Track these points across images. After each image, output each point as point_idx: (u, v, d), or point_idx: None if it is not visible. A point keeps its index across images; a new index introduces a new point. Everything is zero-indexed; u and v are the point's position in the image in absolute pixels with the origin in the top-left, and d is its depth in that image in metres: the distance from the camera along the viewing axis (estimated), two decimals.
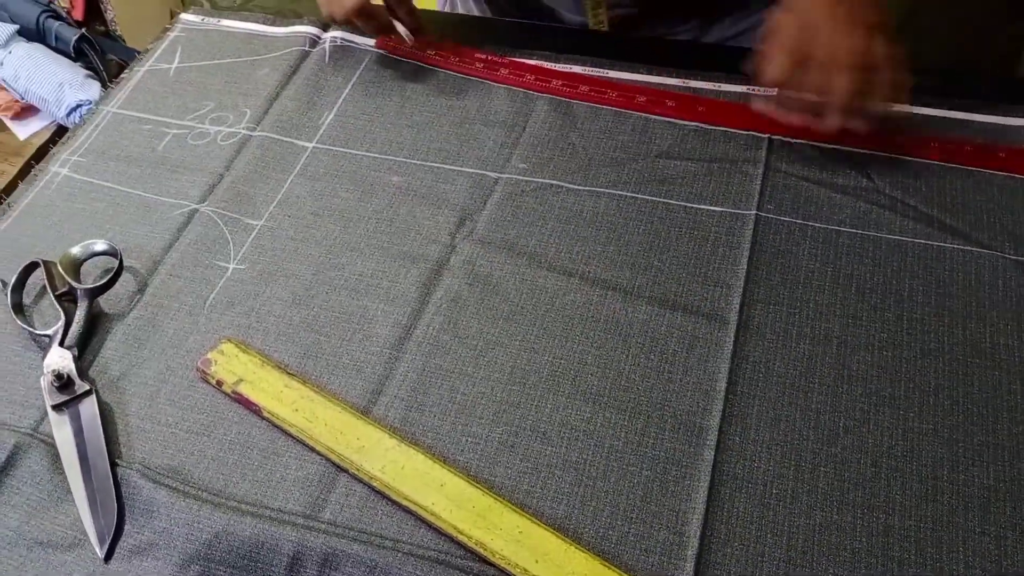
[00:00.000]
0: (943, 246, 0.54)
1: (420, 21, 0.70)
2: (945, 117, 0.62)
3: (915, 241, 0.55)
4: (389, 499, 0.45)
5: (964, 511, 0.43)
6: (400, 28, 0.69)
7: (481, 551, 0.43)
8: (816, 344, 0.50)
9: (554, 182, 0.60)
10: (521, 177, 0.61)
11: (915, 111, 0.61)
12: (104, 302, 0.55)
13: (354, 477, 0.46)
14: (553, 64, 0.68)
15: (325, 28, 0.73)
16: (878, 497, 0.44)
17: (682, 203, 0.58)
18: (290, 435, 0.48)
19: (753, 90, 0.64)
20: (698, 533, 0.43)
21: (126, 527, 0.45)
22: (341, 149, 0.63)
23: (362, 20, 0.66)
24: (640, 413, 0.48)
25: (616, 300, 0.53)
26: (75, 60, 1.20)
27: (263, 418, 0.49)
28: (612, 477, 0.46)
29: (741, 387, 0.49)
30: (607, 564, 0.42)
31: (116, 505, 0.45)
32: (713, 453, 0.46)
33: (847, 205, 0.57)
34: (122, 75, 0.72)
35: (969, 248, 0.54)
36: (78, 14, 1.30)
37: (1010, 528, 0.43)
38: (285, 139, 0.64)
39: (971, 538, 0.43)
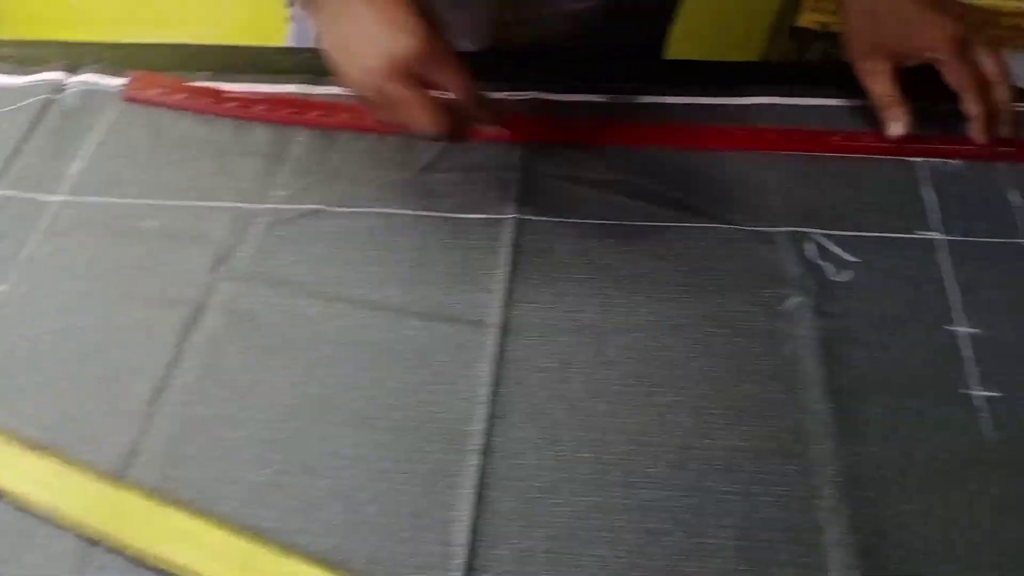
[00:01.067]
0: (684, 226, 0.57)
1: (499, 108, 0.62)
2: (688, 103, 0.66)
3: (660, 224, 0.58)
4: (147, 566, 0.43)
5: (712, 474, 0.46)
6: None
7: None
8: (574, 335, 0.52)
9: (317, 207, 0.60)
10: (282, 206, 0.60)
11: (664, 100, 0.65)
12: None
13: (110, 549, 0.44)
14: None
15: (72, 71, 0.69)
16: (634, 474, 0.46)
17: (445, 214, 0.59)
18: (37, 515, 0.45)
19: (509, 96, 0.66)
20: (466, 541, 0.44)
21: None
22: (93, 199, 0.60)
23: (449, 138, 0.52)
24: (408, 430, 0.48)
25: (384, 320, 0.53)
26: None
27: (5, 501, 0.46)
28: (381, 500, 0.46)
29: (504, 387, 0.50)
30: None
31: None
32: (479, 457, 0.47)
33: (601, 199, 0.59)
34: None
35: (709, 224, 0.57)
36: None
37: (754, 483, 0.46)
38: (28, 196, 0.61)
39: (720, 498, 0.45)
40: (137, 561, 0.43)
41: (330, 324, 0.53)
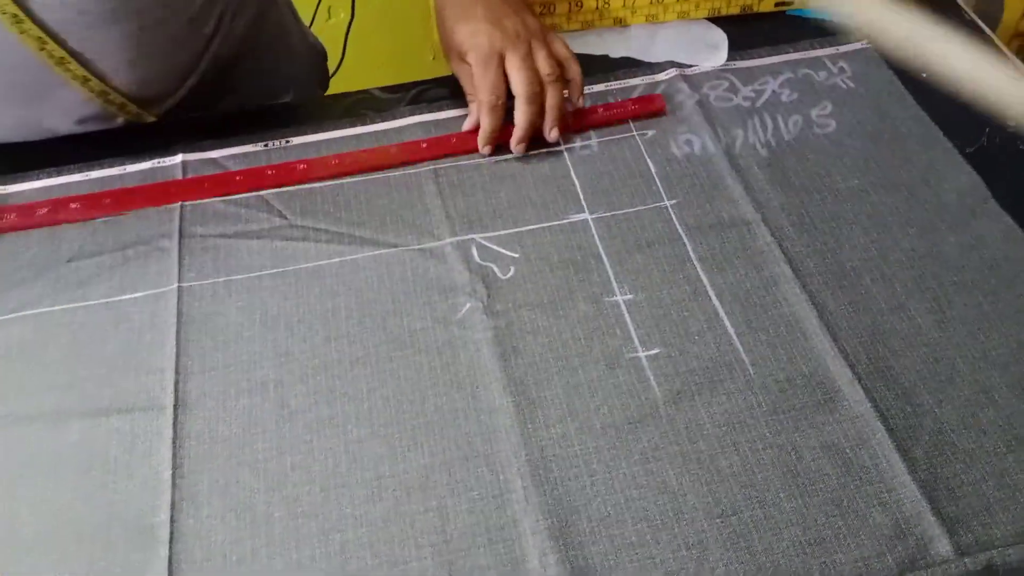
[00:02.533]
0: (355, 258, 0.58)
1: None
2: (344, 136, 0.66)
3: (330, 262, 0.57)
4: None
5: (407, 497, 0.46)
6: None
7: None
8: (254, 395, 0.51)
9: None
10: None
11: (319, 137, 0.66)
12: None
13: None
14: None
15: None
16: (330, 519, 0.46)
17: (102, 300, 0.55)
18: None
19: (159, 163, 0.63)
20: None
21: None
22: None
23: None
24: (85, 539, 0.45)
25: (42, 430, 0.49)
26: None
27: None
28: None
29: (187, 467, 0.48)
30: None
31: None
32: (167, 548, 0.44)
33: (265, 249, 0.58)
34: None
35: (379, 252, 0.58)
36: None
37: (449, 495, 0.46)
38: None
39: (417, 519, 0.46)
40: None
41: None
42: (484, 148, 0.63)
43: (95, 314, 0.55)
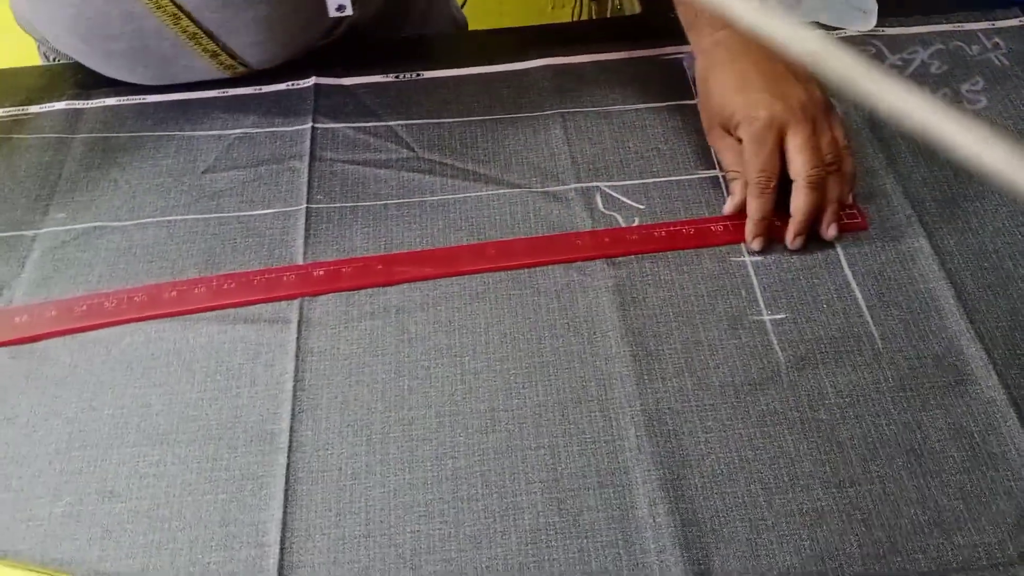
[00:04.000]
0: (479, 195, 0.58)
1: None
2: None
3: (455, 196, 0.58)
4: None
5: (520, 432, 0.47)
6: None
7: None
8: (376, 318, 0.52)
9: (97, 224, 0.57)
10: (60, 228, 0.57)
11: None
12: None
13: None
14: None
15: None
16: (444, 445, 0.46)
17: (234, 214, 0.57)
18: None
19: (293, 85, 0.64)
20: (278, 539, 0.43)
21: None
22: None
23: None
24: (211, 439, 0.47)
25: (175, 330, 0.51)
26: None
27: None
28: (186, 513, 0.44)
29: (308, 380, 0.49)
30: None
31: None
32: (286, 455, 0.46)
33: (392, 178, 0.59)
34: None
35: (503, 191, 0.58)
36: None
37: (561, 435, 0.47)
38: None
39: (529, 455, 0.46)
40: None
41: (118, 344, 0.51)
42: (754, 242, 0.53)
43: (226, 226, 0.56)
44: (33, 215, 0.57)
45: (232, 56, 0.62)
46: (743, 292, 0.52)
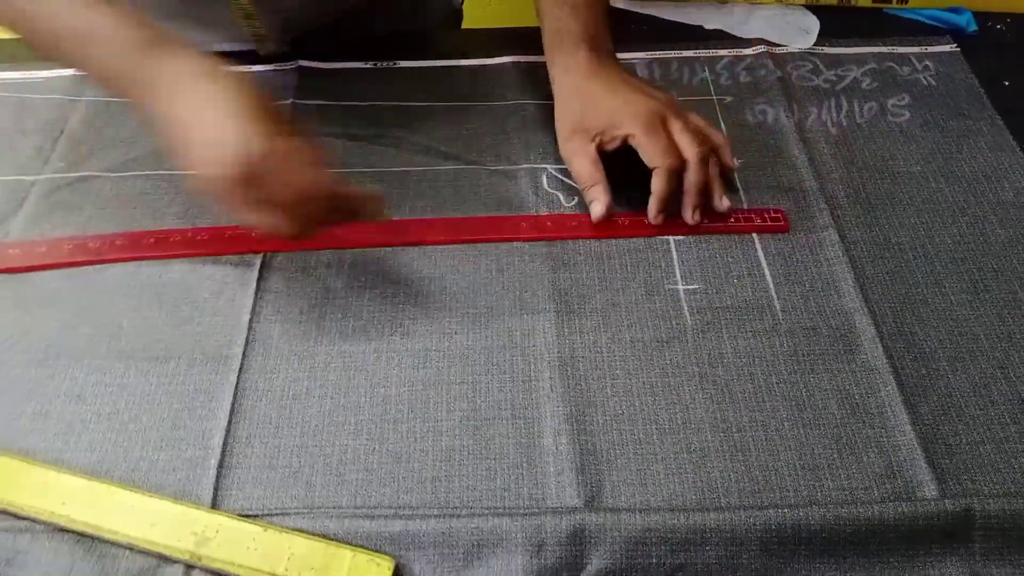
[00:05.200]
0: (438, 169, 0.64)
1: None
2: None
3: (416, 169, 0.64)
4: None
5: (448, 369, 0.52)
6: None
7: (8, 508, 0.45)
8: (330, 268, 0.57)
9: (91, 173, 0.63)
10: (57, 175, 0.63)
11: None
12: None
13: None
14: None
15: None
16: (377, 376, 0.52)
17: None
18: None
19: (280, 67, 0.71)
20: (221, 443, 0.48)
21: None
22: None
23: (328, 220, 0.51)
24: (171, 358, 0.52)
25: (153, 268, 0.57)
26: None
27: None
28: (143, 417, 0.50)
29: (264, 315, 0.55)
30: (134, 488, 0.46)
31: None
32: (236, 375, 0.51)
33: (357, 150, 0.65)
34: None
35: (459, 167, 0.64)
36: None
37: (484, 374, 0.52)
38: None
39: (453, 388, 0.51)
40: None
41: (99, 276, 0.57)
42: (658, 217, 0.59)
43: None
44: (34, 163, 0.64)
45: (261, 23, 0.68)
46: (663, 264, 0.58)
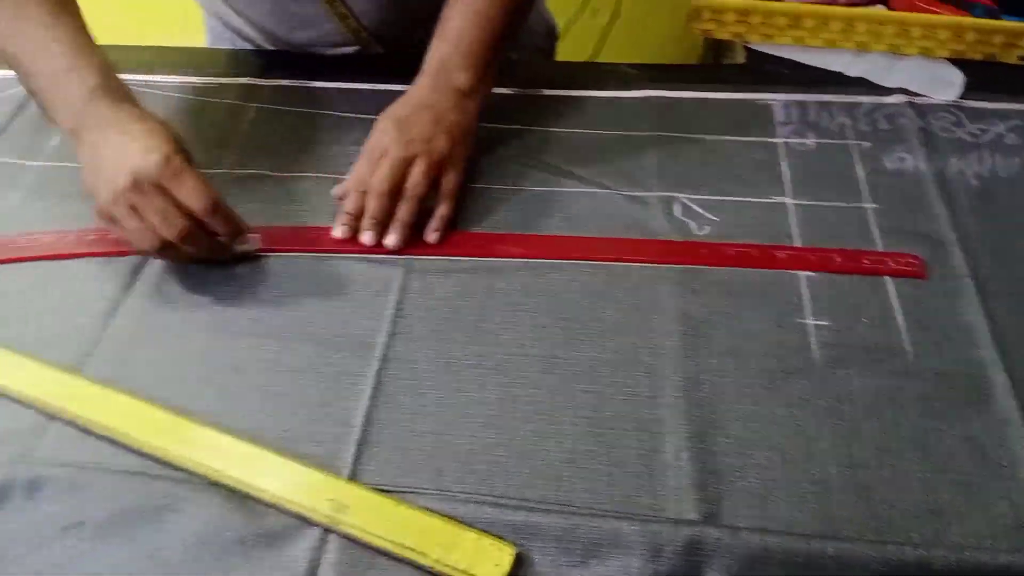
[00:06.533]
0: (573, 191, 0.67)
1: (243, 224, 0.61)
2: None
3: (549, 190, 0.67)
4: (95, 434, 0.51)
5: (573, 378, 0.54)
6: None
7: (171, 459, 0.49)
8: (469, 274, 0.61)
9: (260, 172, 0.69)
10: (229, 171, 0.69)
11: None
12: None
13: (65, 422, 0.52)
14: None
15: None
16: (509, 376, 0.54)
17: None
18: (2, 395, 0.53)
19: None
20: (361, 422, 0.52)
21: None
22: (66, 164, 0.69)
23: (192, 244, 0.57)
24: (321, 342, 0.56)
25: (311, 260, 0.62)
26: None
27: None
28: (294, 393, 0.54)
29: (406, 310, 0.58)
30: (282, 453, 0.50)
31: None
32: (379, 363, 0.55)
33: (500, 169, 0.69)
34: None
35: (592, 190, 0.67)
36: None
37: (608, 386, 0.54)
38: (13, 161, 0.70)
39: (578, 396, 0.53)
40: (87, 431, 0.51)
41: (262, 263, 0.62)
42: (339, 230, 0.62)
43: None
44: (209, 159, 0.70)
45: (357, 20, 0.75)
46: (793, 299, 0.59)
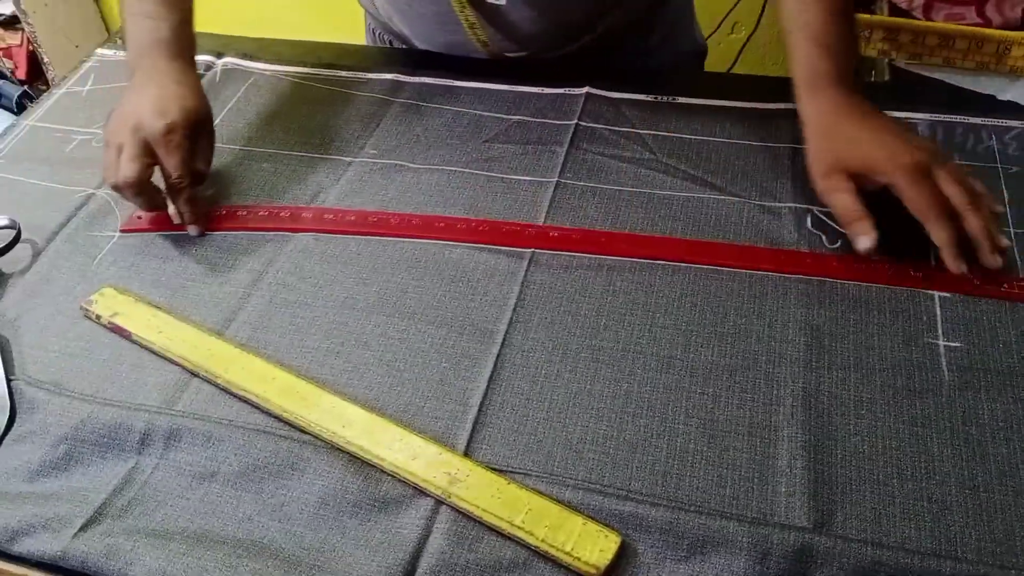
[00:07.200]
0: (701, 197, 0.67)
1: (199, 211, 0.67)
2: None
3: (679, 194, 0.67)
4: (230, 393, 0.55)
5: (689, 378, 0.54)
6: (173, 213, 0.67)
7: (298, 422, 0.52)
8: (591, 271, 0.62)
9: (397, 162, 0.72)
10: (370, 160, 0.73)
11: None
12: (5, 264, 0.65)
13: (205, 379, 0.56)
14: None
15: (217, 55, 0.86)
16: (623, 371, 0.55)
17: (500, 175, 0.70)
18: (154, 352, 0.58)
19: (568, 91, 0.78)
20: (478, 403, 0.54)
21: (15, 425, 0.55)
22: (224, 146, 0.75)
23: (133, 195, 0.65)
24: (444, 324, 0.59)
25: (439, 247, 0.64)
26: (16, 114, 1.32)
27: (132, 341, 0.59)
28: (415, 369, 0.56)
29: (527, 301, 0.60)
30: (402, 426, 0.52)
31: (9, 409, 0.55)
32: (498, 348, 0.57)
33: (630, 171, 0.70)
34: (41, 97, 0.84)
35: (723, 197, 0.67)
36: (21, 73, 1.43)
37: (725, 389, 0.54)
38: None
39: (693, 396, 0.53)
40: (224, 390, 0.55)
41: (395, 247, 0.65)
42: (960, 264, 0.57)
43: (492, 183, 0.70)
44: (353, 147, 0.74)
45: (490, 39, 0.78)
46: (924, 318, 0.57)
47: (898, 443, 0.50)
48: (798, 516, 0.47)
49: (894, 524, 0.46)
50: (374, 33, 0.95)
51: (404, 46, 0.90)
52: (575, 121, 0.75)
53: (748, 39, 1.18)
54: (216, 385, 0.56)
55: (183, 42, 0.71)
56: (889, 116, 0.64)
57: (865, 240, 0.59)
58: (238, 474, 0.51)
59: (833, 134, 0.63)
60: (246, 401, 0.55)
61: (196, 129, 0.66)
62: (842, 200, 0.60)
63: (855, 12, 0.67)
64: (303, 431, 0.53)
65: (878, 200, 0.60)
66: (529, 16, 0.77)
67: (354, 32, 0.99)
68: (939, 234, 0.57)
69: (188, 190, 0.66)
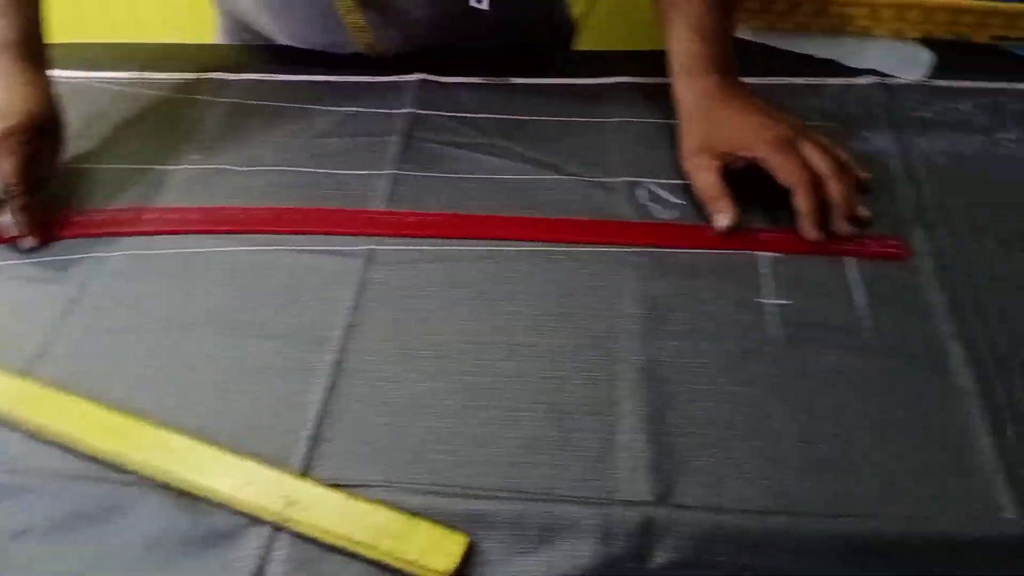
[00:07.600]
0: (538, 178, 0.67)
1: (35, 221, 0.62)
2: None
3: (516, 177, 0.67)
4: (42, 439, 0.50)
5: (534, 363, 0.54)
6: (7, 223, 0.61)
7: (119, 460, 0.49)
8: (429, 263, 0.60)
9: (222, 166, 0.69)
10: (193, 166, 0.69)
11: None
12: None
13: (13, 428, 0.51)
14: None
15: None
16: (465, 364, 0.54)
17: (333, 171, 0.68)
18: None
19: (400, 78, 0.76)
20: (314, 417, 0.51)
21: None
22: None
23: None
24: (277, 336, 0.56)
25: (267, 255, 0.61)
26: None
27: None
28: (247, 388, 0.53)
29: (365, 302, 0.58)
30: (233, 452, 0.49)
31: None
32: (334, 356, 0.54)
33: (466, 157, 0.69)
34: None
35: (558, 177, 0.67)
36: None
37: (567, 371, 0.53)
38: None
39: (537, 381, 0.53)
40: (37, 435, 0.51)
41: (221, 258, 0.61)
42: (814, 232, 0.59)
43: (328, 179, 0.67)
44: (174, 155, 0.70)
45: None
46: (755, 279, 0.58)
47: (735, 405, 0.51)
48: (640, 491, 0.47)
49: (733, 487, 0.47)
50: (230, 33, 0.90)
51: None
52: (409, 109, 0.73)
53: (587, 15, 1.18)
54: (24, 431, 0.51)
55: (32, 44, 0.67)
56: (761, 98, 0.66)
57: (723, 218, 0.60)
58: (54, 527, 0.47)
59: (704, 117, 0.65)
60: (59, 446, 0.50)
61: (39, 133, 0.64)
62: (705, 179, 0.62)
63: None
64: (123, 471, 0.49)
65: (744, 179, 0.61)
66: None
67: (199, 32, 0.93)
68: (801, 202, 0.59)
69: (23, 197, 0.61)
